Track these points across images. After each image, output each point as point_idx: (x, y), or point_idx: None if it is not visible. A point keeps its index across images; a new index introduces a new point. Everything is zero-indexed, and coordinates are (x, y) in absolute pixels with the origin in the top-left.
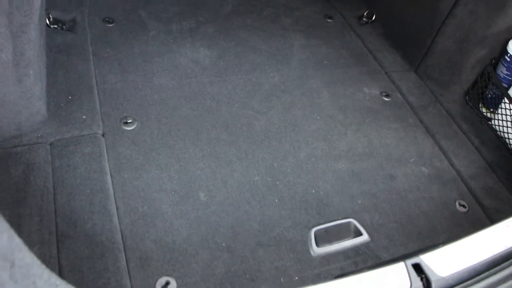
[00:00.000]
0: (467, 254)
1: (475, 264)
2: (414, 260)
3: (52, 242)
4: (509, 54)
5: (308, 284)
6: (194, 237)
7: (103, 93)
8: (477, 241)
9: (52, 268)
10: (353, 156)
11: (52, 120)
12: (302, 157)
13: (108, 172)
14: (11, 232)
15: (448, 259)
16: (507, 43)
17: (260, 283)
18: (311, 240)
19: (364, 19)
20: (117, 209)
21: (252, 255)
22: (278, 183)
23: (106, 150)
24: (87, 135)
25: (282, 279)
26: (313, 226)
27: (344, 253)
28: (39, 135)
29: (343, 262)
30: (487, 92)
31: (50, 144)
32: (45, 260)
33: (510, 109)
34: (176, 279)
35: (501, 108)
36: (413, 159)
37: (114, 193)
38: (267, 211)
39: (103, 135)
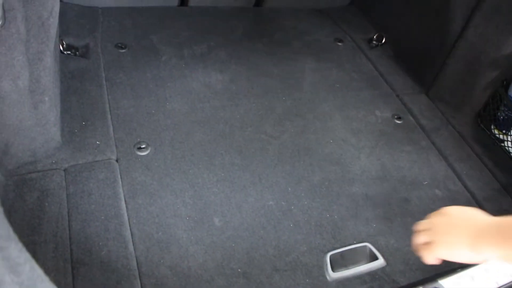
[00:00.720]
0: (485, 278)
1: None
2: (433, 285)
3: (67, 269)
4: None
5: None
6: (209, 263)
7: (117, 118)
8: (494, 266)
9: None
10: (367, 180)
11: (66, 146)
12: (316, 181)
13: (123, 198)
14: (33, 263)
15: (466, 284)
16: None
17: None
18: (326, 264)
19: (374, 42)
20: (132, 235)
21: (268, 280)
22: (292, 207)
23: (120, 175)
24: (101, 160)
25: None
26: (329, 251)
27: (360, 277)
28: (53, 161)
29: (359, 287)
30: (499, 114)
31: (64, 170)
32: None
33: None
34: None
35: None
36: (426, 182)
37: (128, 219)
38: (282, 235)
39: (117, 161)
